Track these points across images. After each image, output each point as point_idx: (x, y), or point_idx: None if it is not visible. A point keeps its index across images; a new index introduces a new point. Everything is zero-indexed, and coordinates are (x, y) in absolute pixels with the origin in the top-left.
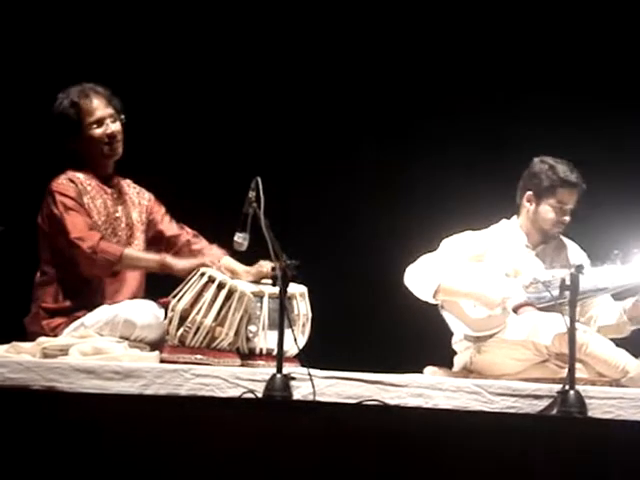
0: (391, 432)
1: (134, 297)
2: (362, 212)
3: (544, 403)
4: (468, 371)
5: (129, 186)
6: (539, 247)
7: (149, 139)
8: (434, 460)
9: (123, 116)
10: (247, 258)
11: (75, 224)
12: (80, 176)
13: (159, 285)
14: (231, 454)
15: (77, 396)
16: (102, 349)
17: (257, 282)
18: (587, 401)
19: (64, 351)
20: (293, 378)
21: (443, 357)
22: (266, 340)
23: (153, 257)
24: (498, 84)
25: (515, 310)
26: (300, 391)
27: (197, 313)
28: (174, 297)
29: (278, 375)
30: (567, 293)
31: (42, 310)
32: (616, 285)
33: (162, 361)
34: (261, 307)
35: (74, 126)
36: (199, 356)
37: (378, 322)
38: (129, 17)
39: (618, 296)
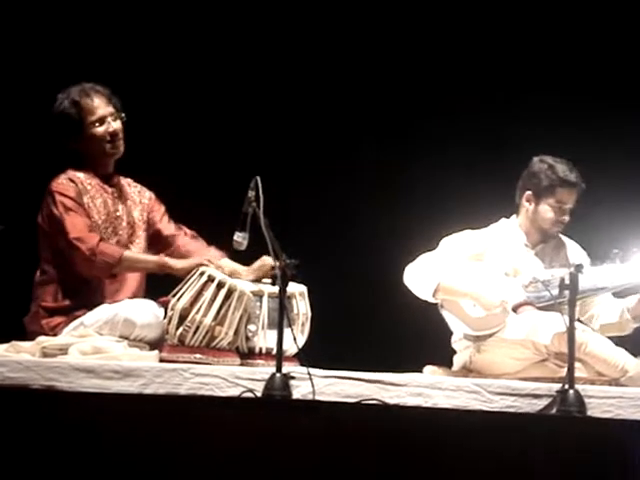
0: (391, 431)
1: (134, 296)
2: (362, 212)
3: (543, 402)
4: (468, 370)
5: (130, 185)
6: (538, 246)
7: (149, 139)
8: (434, 459)
9: (123, 115)
10: (247, 258)
11: (75, 225)
12: (80, 175)
13: (159, 284)
14: (231, 454)
15: (76, 395)
16: (102, 348)
17: (257, 281)
18: (586, 400)
19: (63, 350)
20: (292, 377)
21: (443, 356)
22: (265, 339)
23: (152, 258)
24: (498, 84)
25: (515, 309)
26: (299, 390)
27: (197, 312)
28: (174, 296)
29: (277, 374)
30: (566, 292)
31: (42, 309)
32: (616, 284)
33: (161, 360)
34: (260, 306)
35: (76, 125)
36: (198, 355)
37: (378, 321)
38: (129, 17)
39: (618, 295)
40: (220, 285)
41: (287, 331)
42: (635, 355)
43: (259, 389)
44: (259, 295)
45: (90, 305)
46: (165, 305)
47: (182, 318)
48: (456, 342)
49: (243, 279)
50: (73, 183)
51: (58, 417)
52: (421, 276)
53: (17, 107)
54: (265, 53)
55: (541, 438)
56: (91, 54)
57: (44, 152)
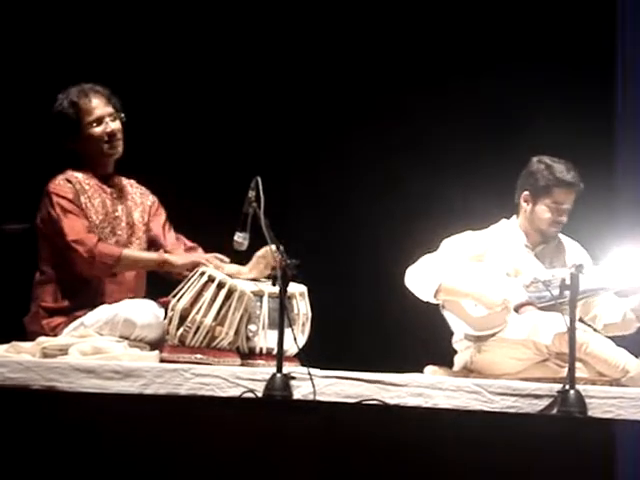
0: (391, 431)
1: (134, 296)
2: (363, 212)
3: (544, 403)
4: (468, 370)
5: (132, 186)
6: (539, 247)
7: (149, 139)
8: (434, 460)
9: (123, 115)
10: (247, 258)
11: (72, 227)
12: (78, 175)
13: (159, 285)
14: (231, 454)
15: (77, 396)
16: (102, 348)
17: (257, 280)
18: (587, 400)
19: (64, 351)
20: (293, 377)
21: (443, 356)
22: (266, 339)
23: (151, 256)
24: (498, 84)
25: (516, 309)
26: (300, 390)
27: (197, 312)
28: (174, 296)
29: (278, 374)
30: (567, 292)
31: (42, 309)
32: (617, 285)
33: (162, 361)
34: (261, 306)
35: (73, 125)
36: (199, 355)
37: (378, 321)
38: (129, 17)
39: (618, 295)
40: (220, 285)
41: (287, 331)
42: (636, 355)
43: (260, 389)
44: (259, 295)
45: (90, 305)
46: (165, 305)
47: (182, 318)
48: (457, 342)
49: (246, 276)
50: (70, 184)
51: (58, 417)
52: (422, 277)
53: (17, 107)
54: (265, 54)
55: (542, 438)
56: (92, 54)
57: (44, 152)
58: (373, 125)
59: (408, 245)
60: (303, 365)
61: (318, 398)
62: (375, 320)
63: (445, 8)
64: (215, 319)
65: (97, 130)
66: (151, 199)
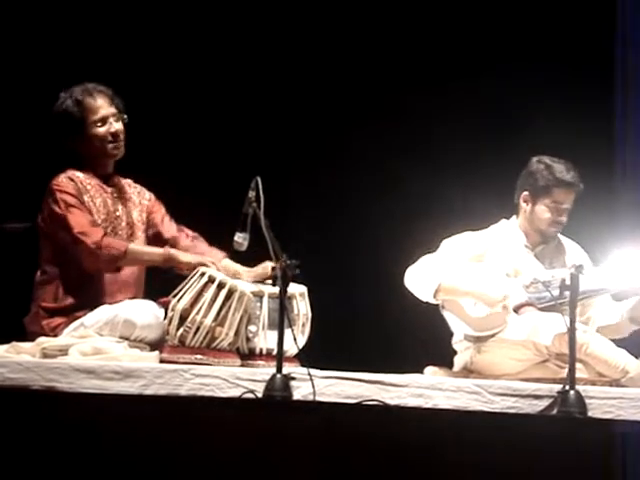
0: (391, 432)
1: (134, 297)
2: (363, 212)
3: (544, 403)
4: (468, 371)
5: (129, 186)
6: (538, 247)
7: (149, 139)
8: (434, 460)
9: (125, 116)
10: (247, 258)
11: (78, 220)
12: (80, 175)
13: (159, 285)
14: (231, 454)
15: (77, 396)
16: (102, 349)
17: (258, 281)
18: (587, 401)
19: (64, 351)
20: (293, 378)
21: (443, 357)
22: (266, 340)
23: (158, 251)
24: (498, 84)
25: (516, 310)
26: (300, 391)
27: (197, 313)
28: (174, 297)
29: (278, 375)
30: (567, 293)
31: (42, 310)
32: (617, 286)
33: (162, 361)
34: (261, 307)
35: (77, 124)
36: (199, 356)
37: (378, 322)
38: (129, 17)
39: (617, 297)
40: (220, 286)
41: (287, 332)
42: (636, 356)
43: (260, 390)
44: (259, 296)
45: (90, 306)
46: (165, 306)
47: (182, 319)
48: (457, 343)
49: (243, 280)
50: (73, 182)
51: (58, 418)
52: (422, 277)
53: (17, 108)
54: (265, 55)
55: (542, 439)
56: (93, 55)
57: (44, 152)
58: (373, 125)
59: (408, 245)
60: (303, 366)
61: (318, 399)
62: (375, 320)
63: (445, 8)
64: (215, 320)
65: (101, 130)
66: (147, 196)
